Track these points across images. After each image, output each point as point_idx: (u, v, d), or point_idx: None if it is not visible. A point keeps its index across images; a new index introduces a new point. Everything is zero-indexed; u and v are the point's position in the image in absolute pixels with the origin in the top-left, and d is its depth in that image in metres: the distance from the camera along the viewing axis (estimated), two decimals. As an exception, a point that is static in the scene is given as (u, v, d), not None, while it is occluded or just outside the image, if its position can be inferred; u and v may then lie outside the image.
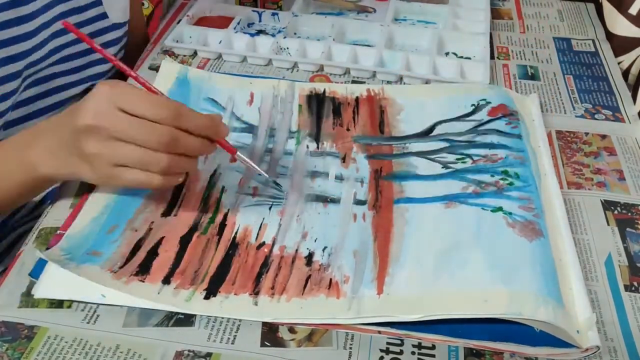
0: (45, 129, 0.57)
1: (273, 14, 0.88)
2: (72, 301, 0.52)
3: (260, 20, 0.88)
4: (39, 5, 0.65)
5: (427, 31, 0.85)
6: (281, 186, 0.60)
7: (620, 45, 0.86)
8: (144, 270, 0.53)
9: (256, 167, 0.58)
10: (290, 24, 0.86)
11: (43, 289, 0.52)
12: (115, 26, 0.76)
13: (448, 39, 0.84)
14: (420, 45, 0.84)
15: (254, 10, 0.88)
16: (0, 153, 0.58)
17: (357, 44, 0.83)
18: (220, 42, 0.82)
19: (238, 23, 0.85)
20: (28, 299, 0.52)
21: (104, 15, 0.74)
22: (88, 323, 0.50)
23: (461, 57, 0.83)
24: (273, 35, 0.84)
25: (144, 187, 0.54)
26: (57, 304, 0.51)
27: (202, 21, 0.87)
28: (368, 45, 0.83)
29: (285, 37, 0.83)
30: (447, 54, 0.83)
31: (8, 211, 0.71)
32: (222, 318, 0.51)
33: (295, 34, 0.87)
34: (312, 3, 0.92)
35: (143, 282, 0.52)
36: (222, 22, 0.86)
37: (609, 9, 0.90)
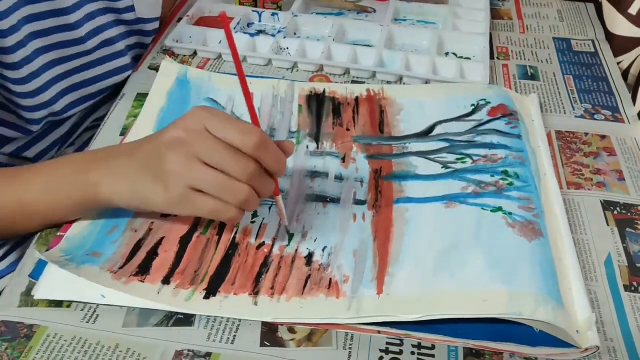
0: (105, 155, 0.55)
1: (273, 14, 0.88)
2: (72, 302, 0.52)
3: (260, 21, 0.88)
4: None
5: (427, 31, 0.85)
6: (293, 235, 0.57)
7: (620, 45, 0.86)
8: (143, 270, 0.53)
9: (285, 217, 0.56)
10: (290, 24, 0.86)
11: (43, 290, 0.52)
12: (141, 20, 0.78)
13: (448, 39, 0.84)
14: (420, 46, 0.84)
15: (253, 11, 0.88)
16: (55, 172, 0.56)
17: (357, 44, 0.83)
18: (220, 42, 0.82)
19: (238, 23, 0.85)
20: (28, 299, 0.52)
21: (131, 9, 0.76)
22: (88, 323, 0.50)
23: (461, 57, 0.82)
24: (273, 36, 0.83)
25: (218, 217, 0.51)
26: (57, 303, 0.51)
27: (202, 21, 0.87)
28: (368, 46, 0.83)
29: (285, 37, 0.83)
30: (447, 54, 0.83)
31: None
32: (222, 318, 0.51)
33: (295, 34, 0.86)
34: (312, 3, 0.92)
35: (143, 282, 0.52)
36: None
37: (608, 9, 0.90)
